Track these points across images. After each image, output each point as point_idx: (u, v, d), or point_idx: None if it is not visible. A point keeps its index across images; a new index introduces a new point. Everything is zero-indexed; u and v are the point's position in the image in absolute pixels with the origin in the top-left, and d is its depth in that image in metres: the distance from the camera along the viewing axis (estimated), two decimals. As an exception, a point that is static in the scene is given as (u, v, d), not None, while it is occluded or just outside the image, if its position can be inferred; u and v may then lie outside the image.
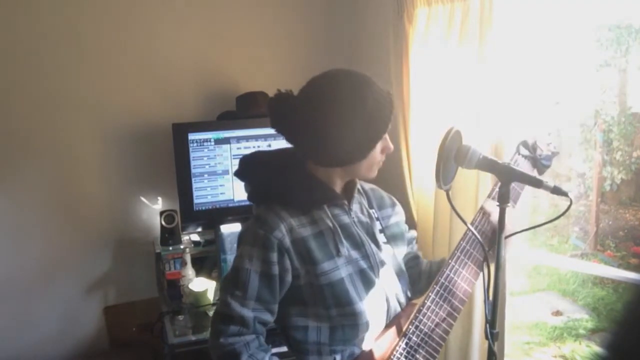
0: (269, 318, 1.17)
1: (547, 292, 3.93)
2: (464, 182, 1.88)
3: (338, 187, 1.23)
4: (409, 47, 2.06)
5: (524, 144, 1.27)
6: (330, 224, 1.18)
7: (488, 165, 1.07)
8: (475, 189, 1.86)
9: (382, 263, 1.24)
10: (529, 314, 3.65)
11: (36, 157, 2.29)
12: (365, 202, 1.30)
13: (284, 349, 1.27)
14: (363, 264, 1.20)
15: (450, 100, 1.92)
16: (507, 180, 1.05)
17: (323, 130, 1.11)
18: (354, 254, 1.20)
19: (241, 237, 1.20)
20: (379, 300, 1.21)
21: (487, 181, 1.84)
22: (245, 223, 1.22)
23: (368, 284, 1.20)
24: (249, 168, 1.28)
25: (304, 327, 1.19)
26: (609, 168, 3.79)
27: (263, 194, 1.23)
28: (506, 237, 1.10)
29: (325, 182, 1.20)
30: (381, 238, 1.28)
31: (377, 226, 1.29)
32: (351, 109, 1.10)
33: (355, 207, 1.26)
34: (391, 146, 1.19)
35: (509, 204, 1.07)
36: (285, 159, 1.23)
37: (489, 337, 1.07)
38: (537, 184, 1.03)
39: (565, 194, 1.02)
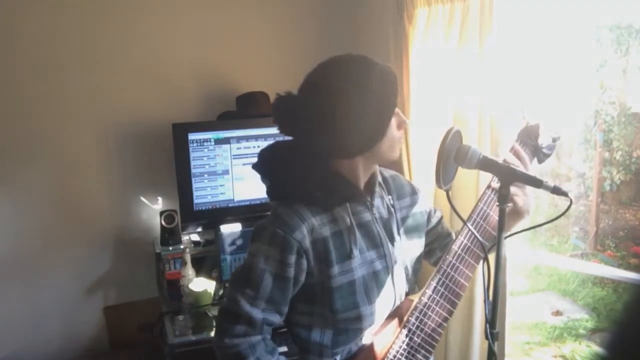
0: (277, 319, 1.15)
1: (547, 292, 3.93)
2: (464, 182, 1.88)
3: (362, 181, 1.18)
4: (409, 47, 2.06)
5: (526, 131, 1.21)
6: (349, 223, 1.15)
7: (488, 165, 1.07)
8: (475, 189, 1.86)
9: (396, 261, 1.22)
10: (529, 314, 3.65)
11: (35, 157, 2.29)
12: (386, 195, 1.26)
13: (284, 348, 1.27)
14: (378, 265, 1.18)
15: (450, 100, 1.92)
16: (507, 180, 1.05)
17: (334, 119, 1.07)
18: (371, 255, 1.18)
19: (258, 234, 1.14)
20: (387, 299, 1.21)
21: (487, 181, 1.84)
22: (264, 219, 1.16)
23: (380, 285, 1.18)
24: (268, 161, 1.21)
25: (308, 326, 1.18)
26: (609, 168, 3.79)
27: (283, 190, 1.17)
28: (506, 237, 1.10)
29: (349, 177, 1.16)
30: (398, 232, 1.25)
31: (395, 221, 1.25)
32: (356, 90, 1.07)
33: (377, 201, 1.22)
34: (405, 119, 1.15)
35: (509, 204, 1.07)
36: (307, 152, 1.15)
37: (489, 337, 1.07)
38: (537, 184, 1.03)
39: (565, 194, 1.01)
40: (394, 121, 1.13)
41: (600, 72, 3.59)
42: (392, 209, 1.25)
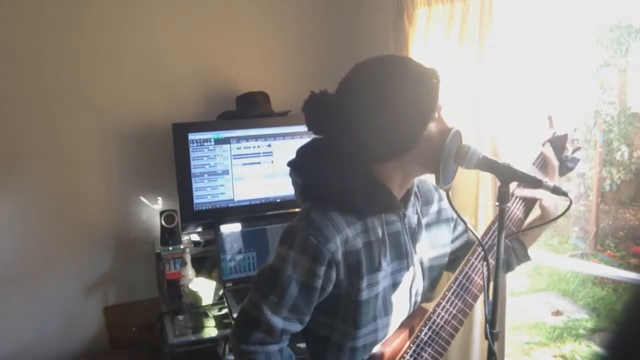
0: (298, 328, 1.11)
1: (547, 292, 3.93)
2: (464, 182, 1.88)
3: (398, 191, 1.12)
4: (409, 47, 2.06)
5: (554, 141, 1.20)
6: (380, 235, 1.10)
7: (488, 165, 1.07)
8: (475, 189, 1.86)
9: (418, 272, 1.20)
10: (529, 314, 3.65)
11: (35, 157, 2.29)
12: (418, 205, 1.21)
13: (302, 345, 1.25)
14: (400, 277, 1.15)
15: (450, 100, 1.92)
16: (507, 180, 1.05)
17: (362, 121, 1.03)
18: (394, 266, 1.15)
19: (289, 239, 1.07)
20: (402, 310, 1.19)
21: (487, 181, 1.84)
22: (295, 222, 1.10)
23: (398, 296, 1.16)
24: (306, 159, 1.14)
25: (326, 339, 1.15)
26: (609, 168, 3.80)
27: (319, 192, 1.11)
28: (506, 237, 1.09)
29: (387, 186, 1.10)
30: (422, 237, 1.21)
31: (422, 228, 1.21)
32: (386, 93, 1.03)
33: (409, 210, 1.17)
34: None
35: (508, 204, 1.07)
36: (347, 155, 1.09)
37: (489, 337, 1.07)
38: (537, 183, 1.03)
39: (565, 194, 1.01)
40: (432, 128, 1.05)
41: (600, 72, 3.60)
42: (419, 216, 1.21)
